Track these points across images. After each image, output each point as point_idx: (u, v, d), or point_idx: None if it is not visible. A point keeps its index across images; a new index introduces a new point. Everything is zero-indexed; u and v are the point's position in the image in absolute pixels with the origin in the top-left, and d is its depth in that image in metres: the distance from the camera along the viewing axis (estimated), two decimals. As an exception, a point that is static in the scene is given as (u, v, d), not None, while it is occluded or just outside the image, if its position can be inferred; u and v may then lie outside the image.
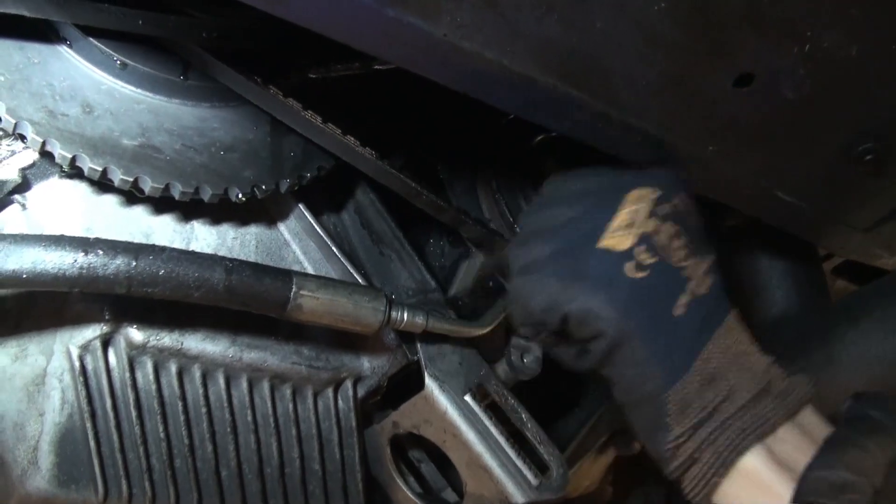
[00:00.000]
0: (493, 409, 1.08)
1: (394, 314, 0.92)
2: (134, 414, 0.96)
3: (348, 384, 1.05)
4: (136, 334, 0.94)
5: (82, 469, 0.97)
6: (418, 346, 1.04)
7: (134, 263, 0.81)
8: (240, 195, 0.92)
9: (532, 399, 1.35)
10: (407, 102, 1.13)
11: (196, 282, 0.82)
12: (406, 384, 1.08)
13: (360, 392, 1.06)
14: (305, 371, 1.01)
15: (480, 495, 1.11)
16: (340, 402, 1.05)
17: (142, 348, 0.94)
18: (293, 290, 0.86)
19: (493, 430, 1.05)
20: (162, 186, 0.88)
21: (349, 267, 1.02)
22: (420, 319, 0.94)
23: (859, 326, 0.96)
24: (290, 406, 1.02)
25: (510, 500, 1.08)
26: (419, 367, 1.04)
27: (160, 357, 0.95)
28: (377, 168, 0.95)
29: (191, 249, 0.92)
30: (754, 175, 0.86)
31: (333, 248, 1.01)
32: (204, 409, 0.99)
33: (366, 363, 1.05)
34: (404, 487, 1.16)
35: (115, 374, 0.95)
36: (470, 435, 1.05)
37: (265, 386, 1.00)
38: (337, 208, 1.10)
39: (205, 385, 0.98)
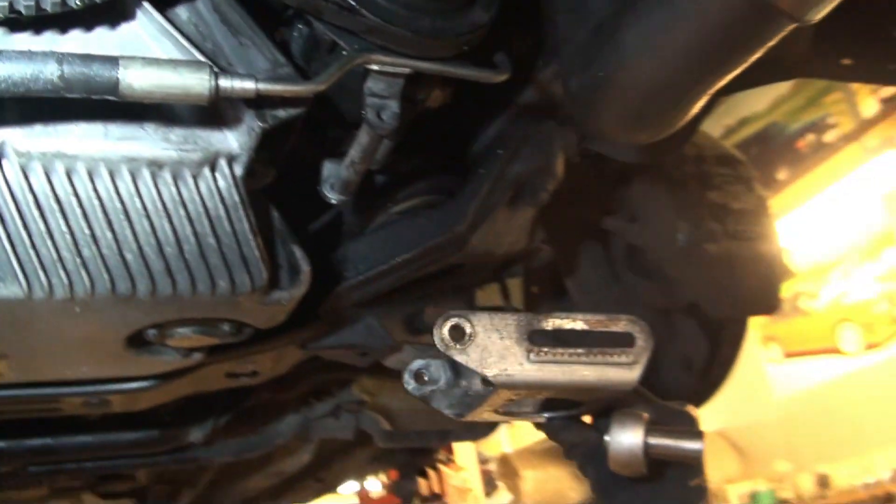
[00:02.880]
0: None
1: (223, 83, 1.04)
2: (37, 214, 1.10)
3: (223, 163, 1.17)
4: (19, 143, 1.07)
5: (5, 269, 1.13)
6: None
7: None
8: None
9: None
10: None
11: (33, 76, 0.95)
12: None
13: (238, 170, 1.18)
14: (177, 154, 1.13)
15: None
16: (220, 180, 1.18)
17: (28, 155, 1.08)
18: (120, 70, 0.98)
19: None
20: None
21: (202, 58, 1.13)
22: (249, 84, 1.05)
23: (633, 10, 1.01)
24: (174, 190, 1.16)
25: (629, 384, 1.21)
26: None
27: (46, 161, 1.09)
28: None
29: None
30: None
31: (184, 42, 1.12)
32: (97, 203, 1.12)
33: (233, 140, 1.17)
34: None
35: (13, 181, 1.09)
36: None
37: (146, 174, 1.13)
38: (196, 10, 1.19)
39: (92, 180, 1.11)
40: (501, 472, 7.48)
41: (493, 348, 1.16)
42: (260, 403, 2.40)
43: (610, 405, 1.30)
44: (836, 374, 8.49)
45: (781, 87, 8.34)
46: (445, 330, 1.16)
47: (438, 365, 1.33)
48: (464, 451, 7.53)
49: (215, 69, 1.04)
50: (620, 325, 1.20)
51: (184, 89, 1.01)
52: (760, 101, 8.77)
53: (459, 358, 1.16)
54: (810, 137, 8.51)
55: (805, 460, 8.26)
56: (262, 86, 1.06)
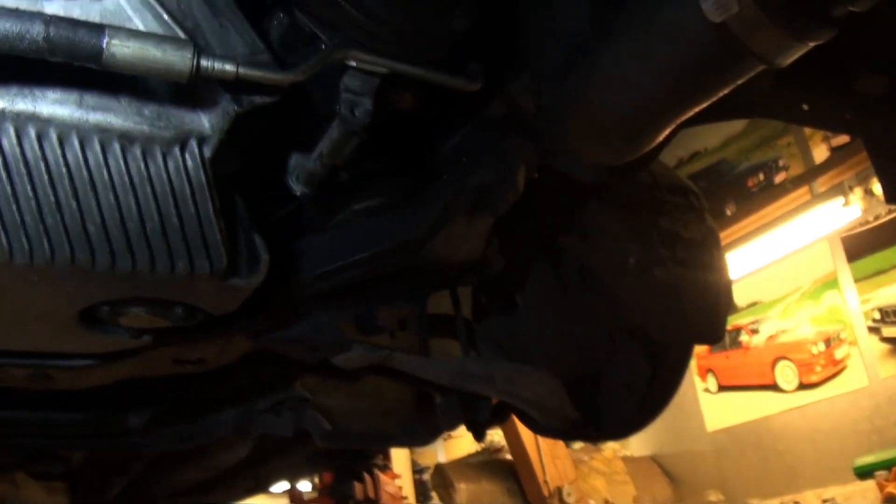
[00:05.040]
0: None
1: (204, 63, 1.05)
2: (3, 175, 1.10)
3: (193, 143, 1.18)
4: (-6, 102, 1.07)
5: (-36, 228, 1.13)
6: None
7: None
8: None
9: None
10: None
11: (18, 34, 0.95)
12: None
13: (207, 151, 1.19)
14: (149, 130, 1.14)
15: None
16: (188, 160, 1.18)
17: (2, 114, 1.07)
18: (105, 39, 0.98)
19: None
20: None
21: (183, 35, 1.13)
22: (229, 67, 1.07)
23: (611, 37, 1.06)
24: (143, 165, 1.16)
25: None
26: None
27: (19, 122, 1.08)
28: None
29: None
30: None
31: (165, 17, 1.12)
32: (64, 170, 1.12)
33: (205, 121, 1.17)
34: None
35: (-17, 140, 1.09)
36: None
37: (116, 147, 1.14)
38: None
39: (62, 147, 1.11)
40: (436, 483, 7.53)
41: None
42: (201, 394, 2.39)
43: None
44: (770, 410, 8.68)
45: (735, 126, 8.54)
46: None
47: None
48: (399, 459, 7.54)
49: (197, 48, 1.05)
50: None
51: (165, 65, 1.02)
52: (713, 136, 8.97)
53: None
54: (760, 177, 8.74)
55: (736, 493, 8.42)
56: (242, 70, 1.07)
